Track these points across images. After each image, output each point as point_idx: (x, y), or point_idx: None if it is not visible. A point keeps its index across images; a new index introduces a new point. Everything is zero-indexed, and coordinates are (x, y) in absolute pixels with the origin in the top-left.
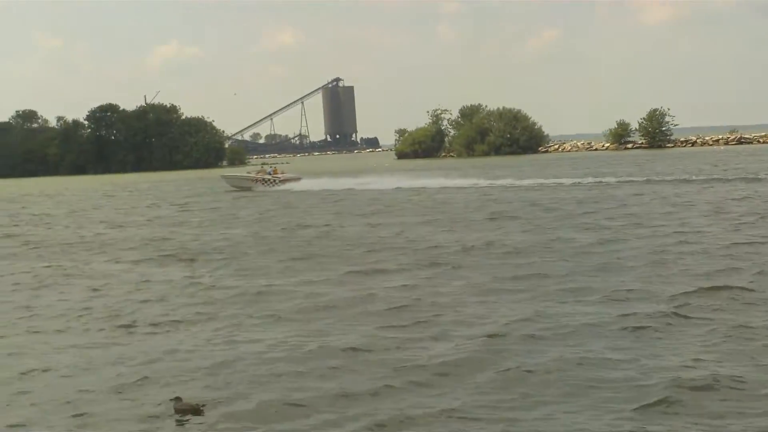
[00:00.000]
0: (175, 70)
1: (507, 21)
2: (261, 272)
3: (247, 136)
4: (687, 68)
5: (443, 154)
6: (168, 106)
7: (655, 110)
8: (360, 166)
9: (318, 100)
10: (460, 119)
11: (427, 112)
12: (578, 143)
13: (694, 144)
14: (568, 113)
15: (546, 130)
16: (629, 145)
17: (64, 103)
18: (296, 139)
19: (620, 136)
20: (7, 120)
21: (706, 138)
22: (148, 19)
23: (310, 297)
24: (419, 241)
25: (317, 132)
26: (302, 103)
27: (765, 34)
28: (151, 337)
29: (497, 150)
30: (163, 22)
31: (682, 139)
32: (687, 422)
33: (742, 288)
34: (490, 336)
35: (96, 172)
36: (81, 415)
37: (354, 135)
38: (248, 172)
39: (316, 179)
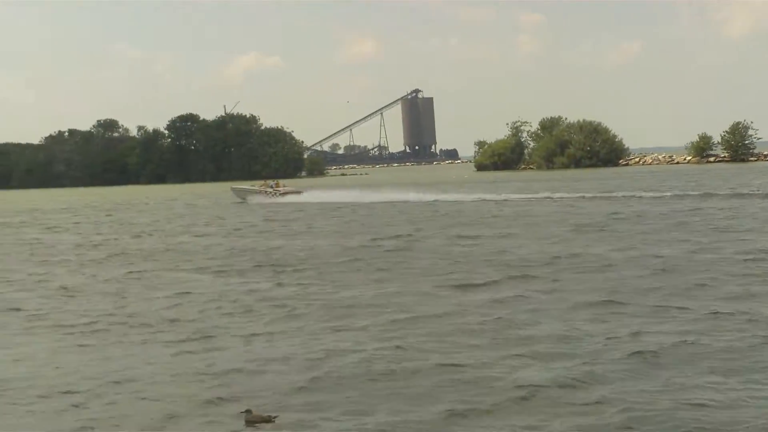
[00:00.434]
0: (255, 81)
1: (587, 32)
2: (347, 283)
3: (326, 147)
4: None
5: (522, 166)
6: (248, 116)
7: (737, 123)
8: (436, 177)
9: (397, 111)
10: (539, 131)
11: (507, 124)
12: (659, 156)
13: None
14: (648, 126)
15: (626, 143)
16: (711, 159)
17: (144, 112)
18: (375, 150)
19: (702, 149)
20: (88, 129)
21: None
22: (229, 30)
23: (399, 310)
24: (504, 253)
25: (396, 143)
26: (381, 114)
27: None
28: (233, 347)
29: (577, 163)
30: (243, 32)
31: (766, 152)
32: None
33: None
34: (587, 359)
35: (175, 181)
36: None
37: (433, 146)
38: (252, 185)
39: (320, 191)
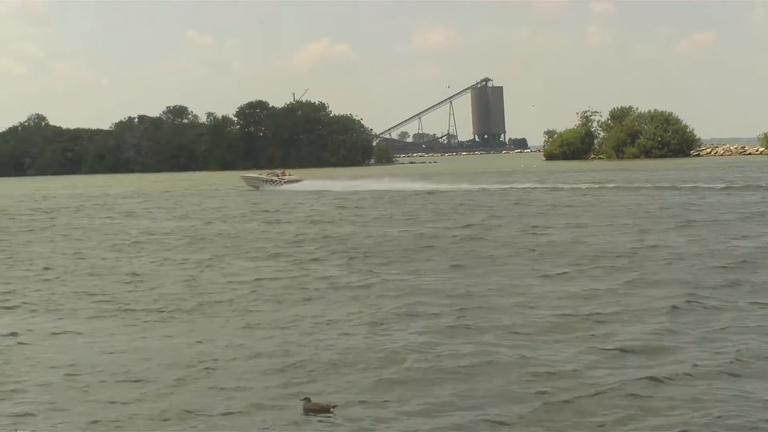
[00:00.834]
0: (325, 68)
1: (659, 23)
2: (421, 271)
3: (394, 135)
4: None
5: (592, 156)
6: (317, 103)
7: None
8: (504, 166)
9: (467, 99)
10: (610, 121)
11: (577, 113)
12: (731, 147)
13: None
14: (720, 116)
15: (697, 134)
16: None
17: (214, 99)
18: (444, 138)
19: None
20: (158, 115)
21: None
22: (299, 17)
23: (473, 298)
24: (577, 243)
25: (465, 132)
26: (451, 102)
27: None
28: (308, 334)
29: (647, 153)
30: (313, 19)
31: None
32: None
33: None
34: (674, 357)
35: (244, 167)
36: (229, 413)
37: (502, 135)
38: (260, 174)
39: (318, 180)
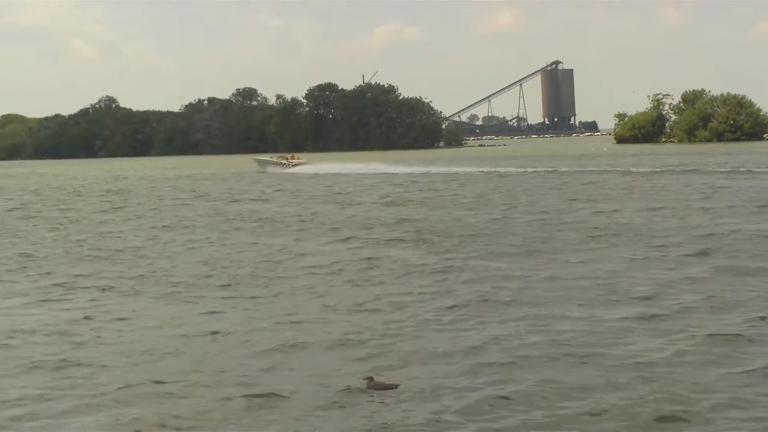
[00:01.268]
0: (394, 51)
1: (733, 3)
2: (497, 255)
3: (464, 118)
4: None
5: (663, 139)
6: (386, 86)
7: None
8: (574, 149)
9: (537, 82)
10: (681, 104)
11: (648, 96)
12: None
13: None
14: None
15: None
16: None
17: (283, 81)
18: (514, 121)
19: None
20: (227, 98)
21: None
22: (369, 0)
23: (549, 282)
24: (651, 227)
25: (535, 115)
26: (521, 85)
27: None
28: (386, 319)
29: (720, 136)
30: (384, 2)
31: None
32: None
33: None
34: None
35: (313, 150)
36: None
37: (572, 118)
38: (270, 157)
39: (326, 164)
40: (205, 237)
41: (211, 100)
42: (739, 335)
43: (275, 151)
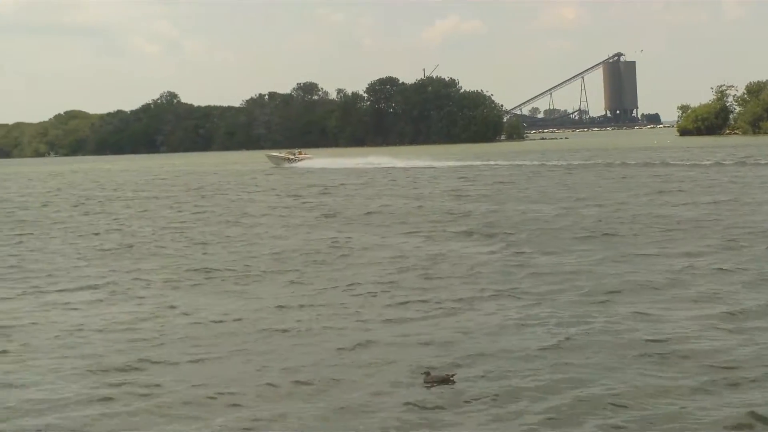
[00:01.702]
0: (454, 44)
1: None
2: (561, 250)
3: (525, 111)
4: None
5: (727, 131)
6: (447, 79)
7: None
8: (637, 142)
9: (598, 75)
10: (746, 96)
11: (712, 88)
12: None
13: None
14: None
15: None
16: None
17: (344, 75)
18: (575, 114)
19: None
20: (288, 92)
21: None
22: None
23: (618, 279)
24: (729, 222)
25: (597, 107)
26: (582, 78)
27: None
28: (451, 313)
29: None
30: None
31: None
32: None
33: None
34: None
35: (374, 144)
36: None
37: (634, 111)
38: (279, 153)
39: (329, 158)
40: (272, 230)
41: (272, 94)
42: None
43: (336, 145)
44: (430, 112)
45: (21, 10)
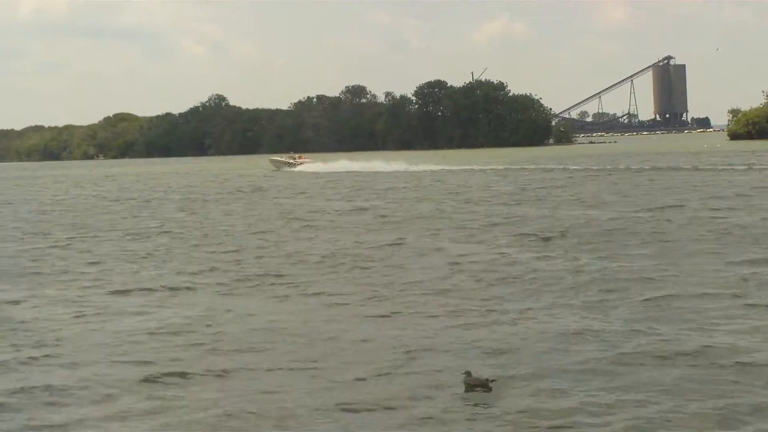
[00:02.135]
0: (503, 47)
1: None
2: (616, 255)
3: (574, 115)
4: None
5: None
6: (495, 82)
7: None
8: (688, 146)
9: (648, 78)
10: None
11: (763, 91)
12: None
13: None
14: None
15: None
16: None
17: (392, 78)
18: (624, 118)
19: None
20: (336, 95)
21: None
22: None
23: (677, 286)
24: None
25: (646, 111)
26: (631, 81)
27: None
28: (506, 322)
29: None
30: None
31: None
32: None
33: None
34: None
35: (422, 147)
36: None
37: (684, 114)
38: (281, 157)
39: (329, 163)
40: (323, 234)
41: (320, 97)
42: None
43: (384, 148)
44: (478, 116)
45: (71, 12)
